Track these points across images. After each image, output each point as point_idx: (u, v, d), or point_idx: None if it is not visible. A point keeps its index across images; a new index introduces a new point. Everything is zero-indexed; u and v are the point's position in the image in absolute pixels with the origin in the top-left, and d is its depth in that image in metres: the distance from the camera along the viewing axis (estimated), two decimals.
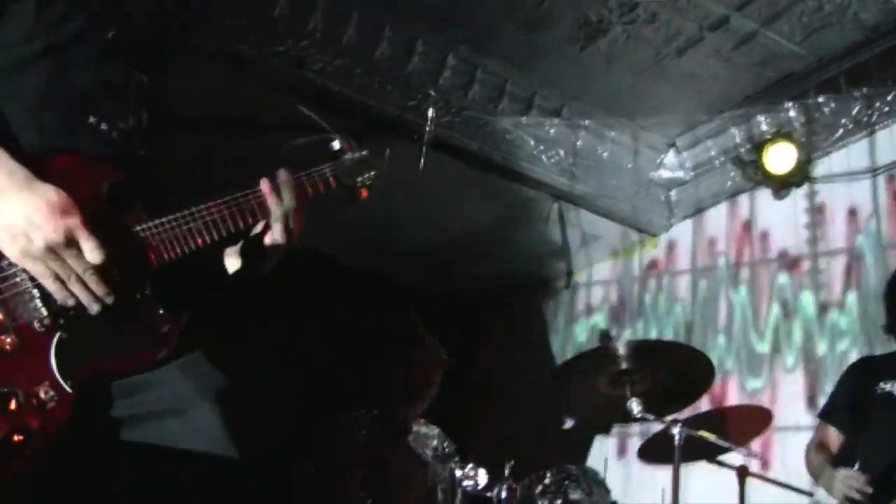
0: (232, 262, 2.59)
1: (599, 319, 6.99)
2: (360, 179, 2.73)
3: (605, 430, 6.53)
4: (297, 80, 5.12)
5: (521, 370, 7.15)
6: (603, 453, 6.43)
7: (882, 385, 4.45)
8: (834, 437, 4.67)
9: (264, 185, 2.43)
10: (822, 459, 4.55)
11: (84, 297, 1.99)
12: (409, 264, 6.92)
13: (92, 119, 2.23)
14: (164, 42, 2.58)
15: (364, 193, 2.78)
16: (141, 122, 2.36)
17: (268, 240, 2.48)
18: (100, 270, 1.99)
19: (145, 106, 2.39)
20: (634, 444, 6.12)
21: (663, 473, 5.57)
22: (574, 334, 7.13)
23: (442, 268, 7.06)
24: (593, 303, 7.10)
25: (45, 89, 2.18)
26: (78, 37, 2.21)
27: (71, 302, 2.00)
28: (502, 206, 6.34)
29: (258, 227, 2.51)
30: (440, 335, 6.34)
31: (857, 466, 4.53)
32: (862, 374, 4.66)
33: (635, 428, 6.22)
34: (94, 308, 2.01)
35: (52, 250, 1.93)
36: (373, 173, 2.76)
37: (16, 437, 1.92)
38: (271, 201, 2.42)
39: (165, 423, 2.21)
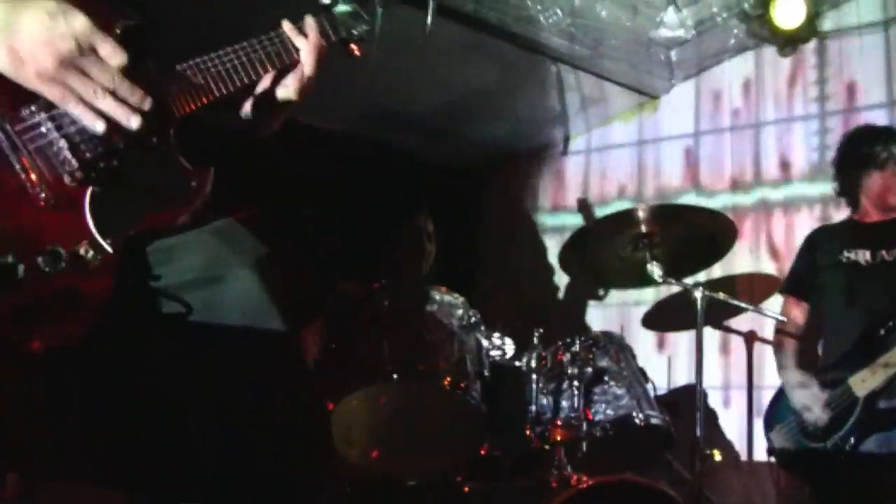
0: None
1: (596, 184, 6.84)
2: (354, 32, 2.63)
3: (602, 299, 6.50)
4: None
5: (525, 237, 7.06)
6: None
7: (846, 254, 4.53)
8: (799, 311, 4.75)
9: (286, 25, 2.36)
10: (789, 347, 4.65)
11: (119, 112, 1.81)
12: (410, 130, 6.71)
13: None
14: None
15: (358, 50, 2.68)
16: None
17: (281, 92, 2.40)
18: (124, 76, 1.83)
19: None
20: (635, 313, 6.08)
21: (667, 342, 5.56)
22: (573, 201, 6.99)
23: (442, 133, 6.83)
24: (592, 168, 6.93)
25: None
26: None
27: (101, 127, 1.82)
28: (500, 69, 6.09)
29: (266, 82, 2.43)
30: (444, 201, 6.22)
31: (822, 343, 4.77)
32: (822, 243, 4.73)
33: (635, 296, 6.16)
34: (133, 122, 1.83)
35: (66, 64, 1.75)
36: (365, 27, 2.67)
37: (65, 300, 1.81)
38: (299, 41, 2.35)
39: (207, 292, 2.08)
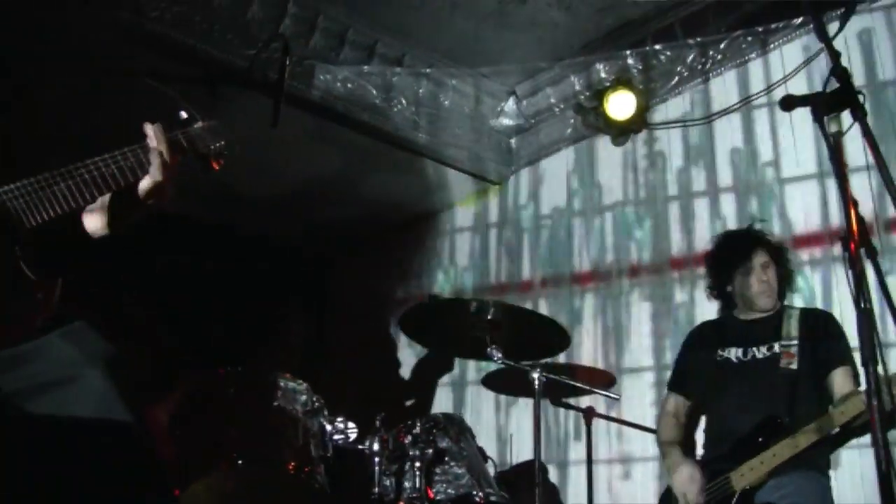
0: (93, 221, 2.48)
1: (440, 268, 6.99)
2: (212, 148, 2.67)
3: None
4: (136, 27, 4.87)
5: (370, 321, 7.14)
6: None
7: (720, 352, 4.62)
8: (682, 405, 4.85)
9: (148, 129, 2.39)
10: (672, 436, 4.75)
11: None
12: (255, 214, 6.76)
13: None
14: None
15: (216, 165, 2.71)
16: None
17: (143, 188, 2.42)
18: None
19: None
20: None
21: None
22: (421, 283, 7.11)
23: (288, 217, 6.94)
24: (439, 251, 7.09)
25: None
26: None
27: None
28: (346, 155, 6.25)
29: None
30: (290, 285, 6.27)
31: (702, 430, 4.89)
32: (703, 340, 4.82)
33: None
34: None
35: None
36: (223, 143, 2.70)
37: None
38: (159, 150, 2.38)
39: (58, 394, 2.08)
